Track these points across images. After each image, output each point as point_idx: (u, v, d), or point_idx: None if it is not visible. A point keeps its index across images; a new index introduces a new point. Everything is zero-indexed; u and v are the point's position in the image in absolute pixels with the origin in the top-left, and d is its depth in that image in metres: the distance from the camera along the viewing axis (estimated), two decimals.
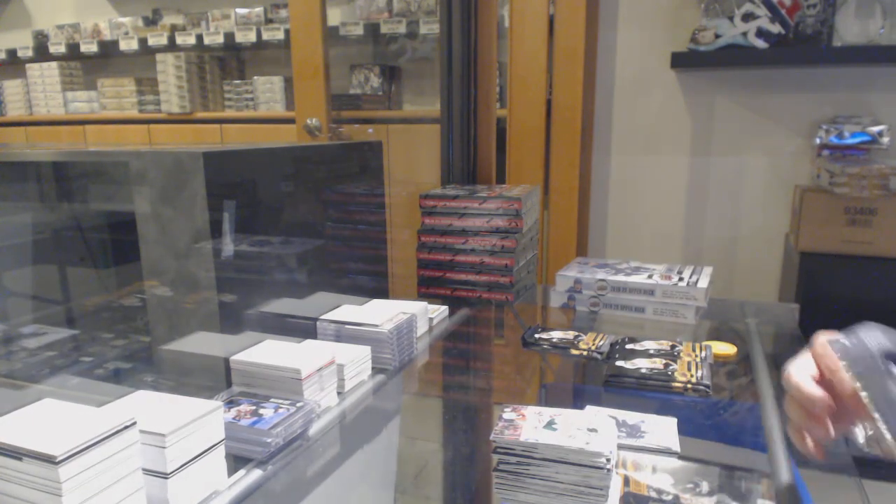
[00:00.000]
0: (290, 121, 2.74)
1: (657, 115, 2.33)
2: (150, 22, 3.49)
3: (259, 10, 3.15)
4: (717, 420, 0.99)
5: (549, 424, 0.75)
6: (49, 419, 0.63)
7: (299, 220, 1.17)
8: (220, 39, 3.19)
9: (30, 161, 1.23)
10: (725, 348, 1.17)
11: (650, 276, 1.37)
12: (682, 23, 2.22)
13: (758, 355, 1.13)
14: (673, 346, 1.14)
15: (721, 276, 2.31)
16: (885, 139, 2.02)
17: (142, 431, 0.64)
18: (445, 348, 1.29)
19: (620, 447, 0.82)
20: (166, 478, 0.66)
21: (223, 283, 0.96)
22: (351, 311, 1.14)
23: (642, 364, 1.07)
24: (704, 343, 1.17)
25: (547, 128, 2.31)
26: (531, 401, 1.16)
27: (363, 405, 0.97)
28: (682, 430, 0.87)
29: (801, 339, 1.28)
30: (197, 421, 0.69)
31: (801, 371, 0.63)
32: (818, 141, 2.10)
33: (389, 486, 0.93)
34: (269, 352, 0.93)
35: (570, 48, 2.24)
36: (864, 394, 0.57)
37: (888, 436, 0.55)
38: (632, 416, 0.90)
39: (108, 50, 3.50)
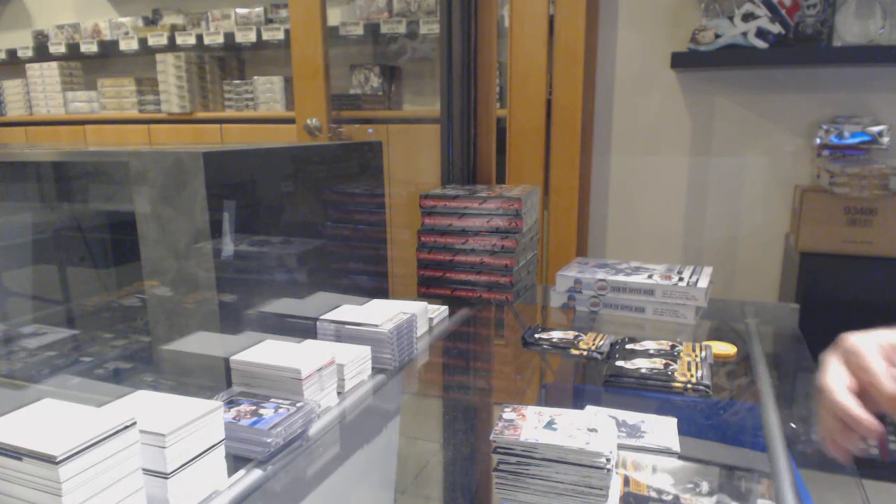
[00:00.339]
0: (290, 121, 2.74)
1: (657, 115, 2.33)
2: (150, 22, 3.49)
3: (259, 10, 3.15)
4: (717, 420, 0.99)
5: (549, 424, 0.75)
6: (49, 419, 0.63)
7: (299, 220, 1.17)
8: (220, 39, 3.19)
9: (30, 161, 1.23)
10: (725, 348, 1.17)
11: (650, 276, 1.37)
12: (682, 23, 2.22)
13: (758, 355, 1.13)
14: (673, 346, 1.15)
15: (721, 276, 2.31)
16: (885, 139, 2.02)
17: (142, 431, 0.64)
18: (445, 348, 1.29)
19: (620, 447, 0.82)
20: (166, 478, 0.66)
21: (223, 283, 0.96)
22: (351, 311, 1.14)
23: (642, 364, 1.07)
24: (704, 343, 1.17)
25: (547, 128, 2.31)
26: (531, 401, 1.16)
27: (363, 405, 0.97)
28: (682, 430, 0.87)
29: (801, 339, 1.28)
30: (197, 421, 0.69)
31: (837, 382, 0.64)
32: (818, 141, 2.10)
33: (389, 486, 0.93)
34: (270, 352, 0.93)
35: (570, 48, 2.24)
36: None
37: None
38: (632, 416, 0.90)
39: (108, 50, 3.50)
